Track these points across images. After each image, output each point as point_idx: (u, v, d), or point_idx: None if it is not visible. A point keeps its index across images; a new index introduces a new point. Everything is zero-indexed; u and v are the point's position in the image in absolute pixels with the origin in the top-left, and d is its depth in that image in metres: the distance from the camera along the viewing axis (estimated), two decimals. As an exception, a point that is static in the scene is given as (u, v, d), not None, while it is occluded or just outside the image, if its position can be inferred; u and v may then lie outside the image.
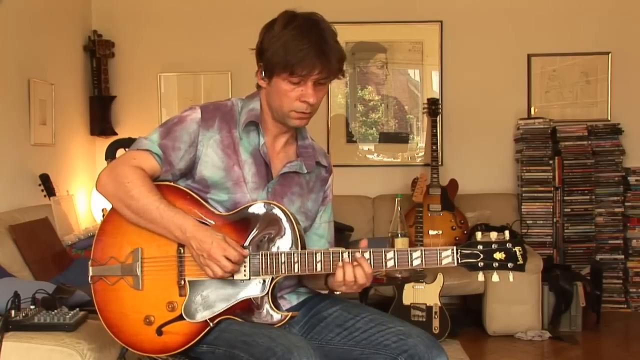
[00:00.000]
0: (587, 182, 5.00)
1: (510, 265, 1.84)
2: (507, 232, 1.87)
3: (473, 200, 5.04)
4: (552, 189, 5.02)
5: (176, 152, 1.98)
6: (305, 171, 2.08)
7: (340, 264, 1.86)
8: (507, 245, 1.84)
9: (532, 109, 5.28)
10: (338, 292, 1.98)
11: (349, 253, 1.87)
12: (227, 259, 1.85)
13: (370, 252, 1.86)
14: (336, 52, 1.91)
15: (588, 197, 5.00)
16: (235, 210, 1.96)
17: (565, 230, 5.01)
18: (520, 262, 1.84)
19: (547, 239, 5.01)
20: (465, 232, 4.70)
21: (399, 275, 3.38)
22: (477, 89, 5.30)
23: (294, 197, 2.06)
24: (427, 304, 4.15)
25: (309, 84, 1.92)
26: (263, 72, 1.96)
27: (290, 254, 1.89)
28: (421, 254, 1.85)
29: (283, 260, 1.89)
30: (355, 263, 1.86)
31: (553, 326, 4.44)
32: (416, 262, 1.85)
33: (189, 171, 2.01)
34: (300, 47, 1.86)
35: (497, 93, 5.29)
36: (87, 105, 5.27)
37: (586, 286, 4.53)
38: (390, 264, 1.86)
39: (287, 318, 1.91)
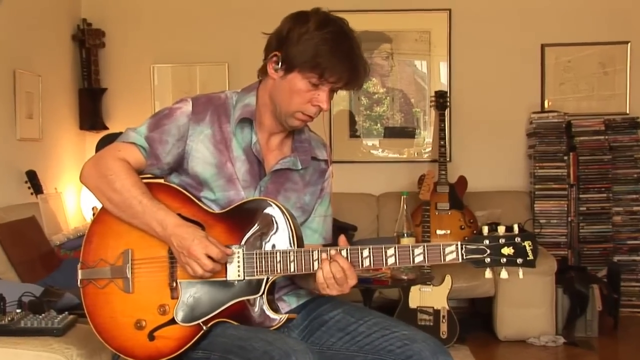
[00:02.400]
0: (604, 179, 4.99)
1: (519, 260, 1.82)
2: (516, 226, 1.86)
3: (483, 198, 5.04)
4: (567, 186, 5.02)
5: (163, 146, 1.99)
6: (300, 167, 2.09)
7: (316, 265, 1.87)
8: (516, 239, 1.82)
9: (546, 102, 5.27)
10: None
11: (347, 250, 1.87)
12: (209, 257, 1.86)
13: (369, 249, 1.87)
14: (365, 67, 1.96)
15: (605, 195, 4.99)
16: (229, 208, 1.97)
17: (581, 230, 5.00)
18: (530, 257, 1.81)
19: (561, 239, 5.00)
20: (474, 231, 4.69)
21: (405, 277, 3.38)
22: (487, 81, 5.29)
23: (289, 194, 2.07)
24: (435, 308, 4.15)
25: (327, 89, 1.94)
26: (280, 64, 1.96)
27: (286, 252, 1.90)
28: (424, 250, 1.85)
29: (279, 259, 1.89)
30: (331, 260, 1.86)
31: (568, 331, 4.44)
32: (418, 259, 1.85)
33: (178, 166, 2.03)
34: (334, 54, 1.89)
35: (508, 85, 5.28)
36: (77, 98, 5.27)
37: (603, 289, 4.52)
38: (391, 260, 1.86)
39: (284, 320, 1.92)
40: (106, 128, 5.26)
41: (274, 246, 1.92)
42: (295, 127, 2.05)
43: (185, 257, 1.88)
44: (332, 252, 1.87)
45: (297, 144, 2.12)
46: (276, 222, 1.93)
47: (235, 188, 2.00)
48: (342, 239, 1.92)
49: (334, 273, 1.85)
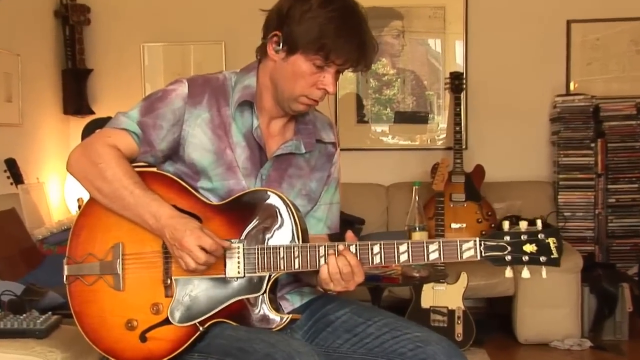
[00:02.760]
0: (635, 168, 4.98)
1: (542, 259, 1.83)
2: (539, 222, 1.86)
3: (502, 189, 5.04)
4: (594, 176, 5.01)
5: (157, 132, 2.00)
6: (304, 151, 2.11)
7: (322, 261, 1.88)
8: (539, 235, 1.83)
9: (572, 84, 5.26)
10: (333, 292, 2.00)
11: (356, 246, 1.88)
12: (202, 249, 1.86)
13: (380, 245, 1.88)
14: (374, 45, 1.97)
15: (636, 185, 4.98)
16: (228, 200, 1.99)
17: (609, 224, 5.00)
18: (555, 255, 1.83)
19: (587, 234, 5.00)
20: (492, 225, 4.70)
21: (417, 274, 3.38)
22: (507, 61, 5.28)
23: (293, 180, 2.10)
24: (449, 308, 4.17)
25: (333, 71, 1.95)
26: (281, 44, 1.96)
27: (290, 247, 1.91)
28: (439, 246, 1.86)
29: (282, 255, 1.91)
30: (338, 253, 1.87)
31: (595, 334, 4.45)
32: (433, 256, 1.86)
33: (173, 153, 2.04)
34: (340, 34, 1.90)
35: (530, 66, 5.27)
36: (60, 80, 5.28)
37: (633, 288, 4.52)
38: (403, 258, 1.87)
39: (287, 320, 1.93)
40: (92, 112, 5.27)
41: (276, 241, 1.93)
42: (300, 112, 2.06)
43: (177, 250, 1.89)
44: (341, 247, 1.88)
45: (300, 126, 2.14)
46: (279, 215, 1.94)
47: (235, 177, 2.02)
48: (349, 234, 1.93)
49: (341, 268, 1.86)
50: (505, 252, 1.84)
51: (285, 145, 2.09)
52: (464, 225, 4.72)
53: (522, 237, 1.84)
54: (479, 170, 4.95)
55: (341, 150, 2.26)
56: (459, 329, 4.16)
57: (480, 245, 1.84)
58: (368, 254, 1.88)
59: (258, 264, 1.91)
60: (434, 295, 4.16)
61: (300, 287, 2.15)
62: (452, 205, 4.79)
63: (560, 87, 5.25)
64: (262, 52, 2.05)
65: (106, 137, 2.01)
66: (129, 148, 2.01)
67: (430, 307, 4.18)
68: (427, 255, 1.86)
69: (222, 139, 2.02)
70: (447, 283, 4.16)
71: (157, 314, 1.95)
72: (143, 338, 1.95)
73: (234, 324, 1.93)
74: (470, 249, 1.85)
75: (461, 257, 1.85)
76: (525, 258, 1.84)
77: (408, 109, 5.41)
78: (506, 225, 1.87)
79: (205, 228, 1.90)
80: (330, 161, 2.20)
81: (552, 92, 5.22)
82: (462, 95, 5.11)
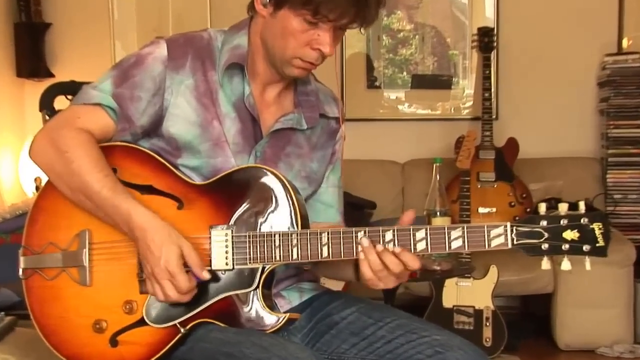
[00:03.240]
0: (700, 142, 5.00)
1: (586, 247, 1.82)
2: (582, 204, 1.85)
3: (539, 166, 5.07)
4: (650, 151, 5.03)
5: (136, 104, 2.00)
6: (305, 127, 2.12)
7: (362, 256, 1.87)
8: (582, 220, 1.82)
9: (625, 41, 5.25)
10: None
11: (365, 232, 1.88)
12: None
13: (393, 232, 1.87)
14: None
15: (701, 162, 5.01)
16: (214, 179, 1.99)
17: (668, 208, 5.03)
18: (601, 243, 1.82)
19: (641, 220, 5.03)
20: (527, 209, 4.71)
21: (438, 268, 3.40)
22: (546, 14, 5.27)
23: (292, 160, 2.11)
24: (476, 307, 4.19)
25: (328, 28, 1.94)
26: None
27: (288, 234, 1.91)
28: (463, 232, 1.85)
29: (277, 244, 1.91)
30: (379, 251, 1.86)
31: (649, 339, 4.49)
32: (456, 244, 1.86)
33: (155, 128, 2.03)
34: None
35: (574, 19, 5.26)
36: (12, 36, 5.28)
37: (697, 284, 4.56)
38: (420, 246, 1.87)
39: (283, 321, 1.94)
40: (51, 75, 5.27)
41: (271, 227, 1.93)
42: (296, 77, 2.07)
43: (147, 271, 1.89)
44: (365, 243, 1.86)
45: (301, 97, 2.15)
46: (275, 197, 1.94)
47: (223, 154, 2.02)
48: (409, 214, 1.91)
49: (389, 264, 1.85)
50: (542, 240, 1.83)
51: (285, 119, 2.09)
52: (494, 209, 4.74)
53: (561, 221, 1.83)
54: (512, 144, 4.96)
55: (348, 120, 2.27)
56: (487, 332, 4.18)
57: (511, 231, 1.83)
58: (379, 242, 1.87)
59: (250, 254, 1.92)
60: (458, 293, 4.19)
61: (299, 282, 2.16)
62: (479, 186, 4.81)
63: (611, 44, 5.24)
64: (252, 7, 2.06)
65: (75, 117, 2.00)
66: (104, 126, 2.00)
67: (454, 306, 4.20)
68: (449, 244, 1.86)
69: (208, 109, 2.02)
70: (474, 278, 4.18)
71: (130, 314, 1.96)
72: (114, 342, 1.96)
73: (222, 324, 1.94)
74: (499, 236, 1.84)
75: (489, 245, 1.84)
76: (565, 247, 1.83)
77: (428, 72, 5.42)
78: (543, 208, 1.86)
79: (189, 250, 1.88)
80: (332, 139, 2.21)
81: (600, 50, 5.21)
82: (493, 55, 5.11)
